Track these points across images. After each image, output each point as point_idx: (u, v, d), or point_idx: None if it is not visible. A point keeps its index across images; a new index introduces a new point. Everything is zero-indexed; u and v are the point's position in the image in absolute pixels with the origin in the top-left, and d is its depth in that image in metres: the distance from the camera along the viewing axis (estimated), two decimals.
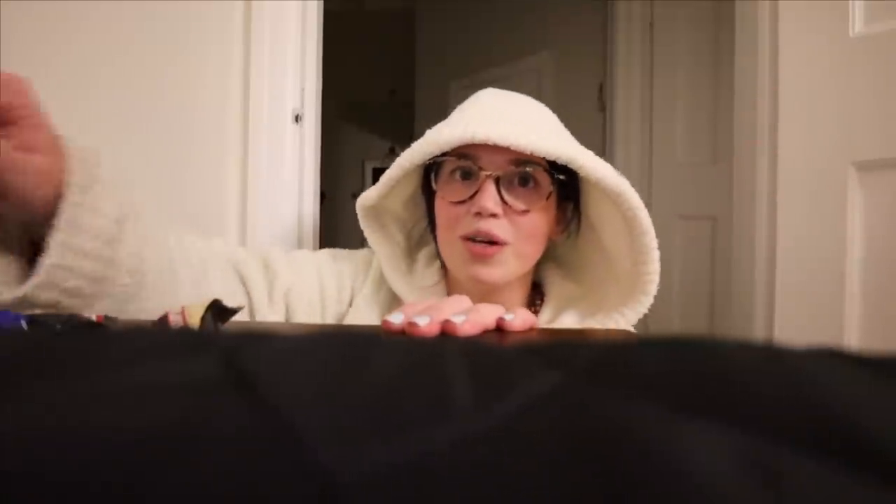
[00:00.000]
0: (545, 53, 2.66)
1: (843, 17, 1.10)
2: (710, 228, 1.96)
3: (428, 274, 0.82)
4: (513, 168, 0.72)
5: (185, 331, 0.32)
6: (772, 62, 1.20)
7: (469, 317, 0.44)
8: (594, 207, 0.78)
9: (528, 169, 0.72)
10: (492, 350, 0.19)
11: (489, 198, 0.70)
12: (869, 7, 1.08)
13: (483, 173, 0.71)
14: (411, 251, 0.87)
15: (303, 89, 1.15)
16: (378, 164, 6.39)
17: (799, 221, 1.16)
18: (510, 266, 0.74)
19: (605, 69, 2.34)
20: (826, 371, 0.16)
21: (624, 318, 0.78)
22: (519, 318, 0.46)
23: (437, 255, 0.82)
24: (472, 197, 0.71)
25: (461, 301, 0.48)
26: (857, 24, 1.09)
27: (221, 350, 0.17)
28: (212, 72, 1.14)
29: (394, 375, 0.16)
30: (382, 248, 0.84)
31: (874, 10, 1.07)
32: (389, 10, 4.28)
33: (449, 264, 0.79)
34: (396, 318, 0.45)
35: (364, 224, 0.84)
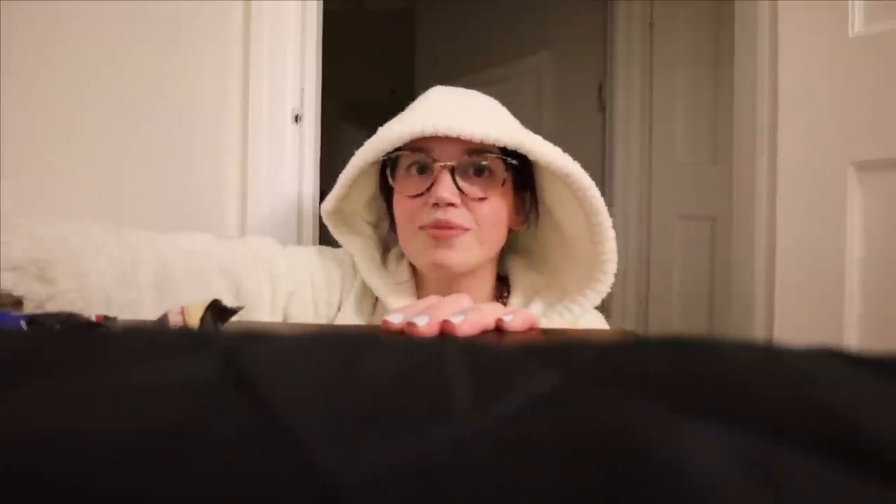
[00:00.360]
0: (545, 53, 2.66)
1: (843, 17, 1.10)
2: (709, 228, 1.96)
3: (399, 271, 0.83)
4: (466, 157, 0.73)
5: (184, 331, 0.32)
6: (771, 62, 1.20)
7: (468, 317, 0.44)
8: (549, 193, 0.80)
9: (481, 157, 0.74)
10: (491, 350, 0.19)
11: (445, 188, 0.72)
12: (868, 7, 1.08)
13: (437, 164, 0.73)
14: (383, 250, 0.88)
15: (302, 89, 1.15)
16: None
17: (798, 221, 1.16)
18: (473, 252, 0.76)
19: (604, 69, 2.34)
20: (826, 371, 0.16)
21: (587, 300, 0.79)
22: (518, 319, 0.46)
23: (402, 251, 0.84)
24: (429, 189, 0.73)
25: (460, 300, 0.48)
26: (857, 24, 1.09)
27: (221, 350, 0.17)
28: (211, 72, 1.14)
29: (393, 375, 0.16)
30: (355, 248, 0.84)
31: (874, 11, 1.07)
32: (389, 10, 4.28)
33: (412, 257, 0.80)
34: (396, 318, 0.45)
35: (333, 228, 0.85)
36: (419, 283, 0.83)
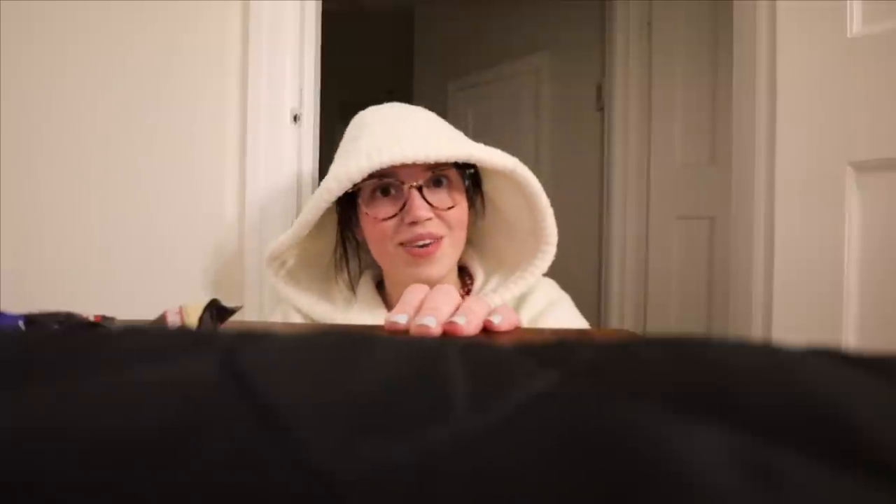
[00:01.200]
0: (543, 53, 2.66)
1: (841, 17, 1.10)
2: (708, 228, 1.96)
3: (364, 290, 0.90)
4: (429, 174, 0.80)
5: (182, 330, 0.32)
6: (769, 62, 1.20)
7: (468, 317, 0.45)
8: (490, 185, 0.90)
9: (442, 171, 0.81)
10: (490, 349, 0.19)
11: (420, 206, 0.78)
12: (867, 7, 1.08)
13: (406, 186, 0.79)
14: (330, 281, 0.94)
15: (301, 89, 1.15)
16: None
17: (797, 222, 1.16)
18: (449, 257, 0.84)
19: (603, 69, 2.34)
20: (824, 371, 0.16)
21: (537, 269, 0.87)
22: (505, 320, 0.49)
23: (358, 272, 0.92)
24: (401, 208, 0.79)
25: (451, 293, 0.50)
26: (855, 24, 1.09)
27: (219, 350, 0.17)
28: (210, 72, 1.14)
29: (392, 375, 0.16)
30: (311, 290, 0.90)
31: (872, 11, 1.07)
32: (388, 10, 4.27)
33: (391, 272, 0.87)
34: (401, 319, 0.46)
35: (276, 274, 0.89)
36: (386, 295, 0.91)
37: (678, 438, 0.12)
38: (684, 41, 2.05)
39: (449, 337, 0.42)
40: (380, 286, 0.93)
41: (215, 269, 1.14)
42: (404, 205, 0.79)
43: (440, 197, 0.81)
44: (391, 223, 0.80)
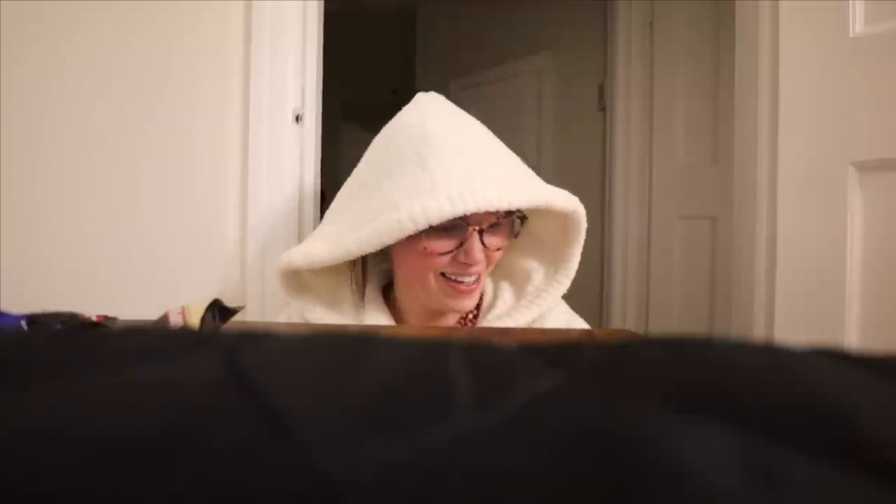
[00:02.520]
0: (545, 54, 2.66)
1: (844, 17, 1.09)
2: (710, 228, 1.96)
3: (371, 300, 0.89)
4: (493, 218, 0.79)
5: (184, 330, 0.32)
6: (772, 62, 1.20)
7: None
8: (532, 213, 0.87)
9: (506, 217, 0.81)
10: (493, 349, 0.19)
11: (479, 249, 0.77)
12: (869, 7, 1.07)
13: (469, 228, 0.77)
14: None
15: (303, 89, 1.15)
16: None
17: (799, 222, 1.16)
18: (481, 288, 0.85)
19: (605, 69, 2.33)
20: (826, 371, 0.16)
21: (555, 293, 0.88)
22: None
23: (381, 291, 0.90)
24: (458, 247, 0.78)
25: None
26: (858, 24, 1.09)
27: (221, 350, 0.17)
28: (212, 71, 1.14)
29: (394, 375, 0.16)
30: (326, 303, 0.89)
31: (874, 11, 1.07)
32: (390, 9, 4.27)
33: (422, 295, 0.84)
34: None
35: (293, 287, 0.88)
36: (402, 302, 0.90)
37: (680, 438, 0.12)
38: (686, 41, 2.05)
39: (452, 337, 0.42)
40: (384, 292, 0.92)
41: (217, 268, 1.14)
42: (461, 243, 0.78)
43: (494, 240, 0.80)
44: (445, 258, 0.79)
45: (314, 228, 1.17)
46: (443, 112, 0.85)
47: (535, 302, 0.86)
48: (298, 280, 0.88)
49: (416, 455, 0.12)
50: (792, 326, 1.16)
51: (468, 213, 0.73)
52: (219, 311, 0.45)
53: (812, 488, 0.11)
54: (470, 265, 0.78)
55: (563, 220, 0.86)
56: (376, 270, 0.92)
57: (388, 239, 0.75)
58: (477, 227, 0.77)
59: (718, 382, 0.15)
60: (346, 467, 0.11)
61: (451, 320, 0.89)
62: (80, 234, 1.14)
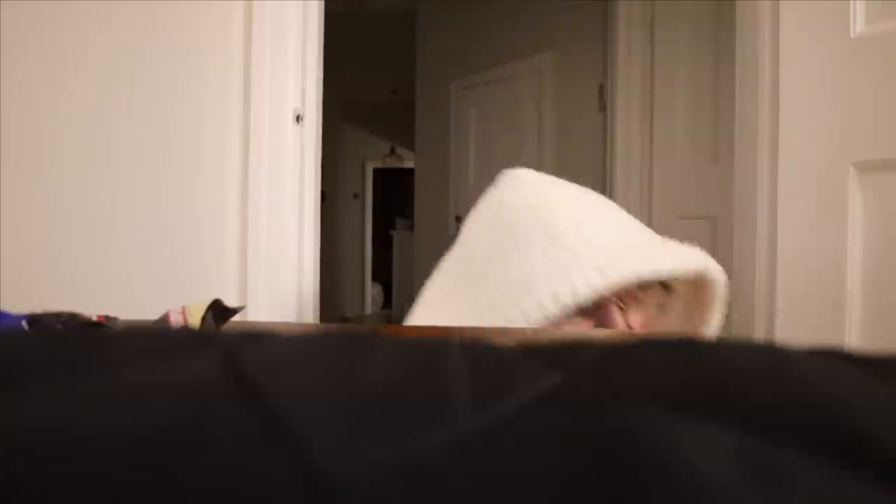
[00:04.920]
0: (546, 54, 2.66)
1: (844, 17, 1.09)
2: (710, 228, 1.96)
3: None
4: (634, 294, 0.70)
5: (185, 330, 0.32)
6: (772, 62, 1.20)
7: None
8: None
9: (645, 292, 0.71)
10: (493, 350, 0.19)
11: (616, 322, 0.67)
12: (870, 7, 1.07)
13: (611, 305, 0.68)
14: None
15: (303, 89, 1.15)
16: (378, 165, 6.41)
17: (799, 222, 1.16)
18: None
19: (605, 69, 2.33)
20: (826, 371, 0.16)
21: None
22: None
23: None
24: (591, 315, 0.68)
25: None
26: (858, 24, 1.09)
27: (221, 350, 0.17)
28: (213, 72, 1.14)
29: (394, 375, 0.16)
30: None
31: (875, 11, 1.07)
32: (390, 10, 4.27)
33: None
34: None
35: None
36: None
37: (681, 439, 0.12)
38: (687, 41, 2.05)
39: (452, 338, 0.42)
40: None
41: (218, 268, 1.14)
42: (601, 318, 0.68)
43: (638, 318, 0.70)
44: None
45: (314, 227, 1.17)
46: (560, 184, 0.76)
47: None
48: None
49: (416, 456, 0.12)
50: (793, 326, 1.16)
51: (623, 281, 0.62)
52: (219, 310, 0.45)
53: (812, 488, 0.11)
54: None
55: (693, 285, 0.76)
56: None
57: (535, 323, 0.63)
58: (618, 303, 0.67)
59: (719, 383, 0.15)
60: (345, 468, 0.11)
61: None
62: (81, 234, 1.14)
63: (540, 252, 0.65)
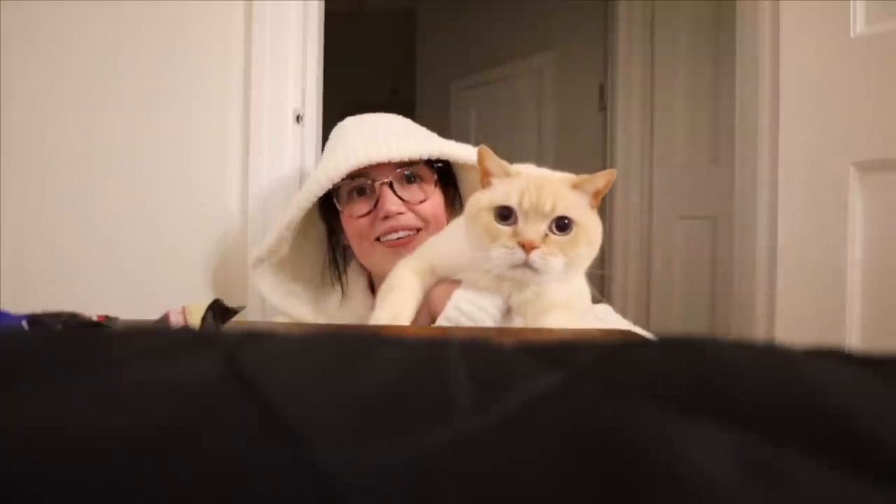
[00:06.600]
0: (546, 54, 2.66)
1: (844, 17, 1.09)
2: (710, 228, 1.95)
3: (356, 280, 0.94)
4: (399, 171, 0.84)
5: (185, 330, 0.32)
6: (772, 62, 1.20)
7: None
8: (468, 184, 0.92)
9: (411, 168, 0.85)
10: (493, 350, 0.19)
11: (391, 201, 0.82)
12: (870, 7, 1.07)
13: (377, 184, 0.83)
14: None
15: (304, 89, 1.15)
16: None
17: (799, 221, 1.16)
18: (419, 244, 0.85)
19: (605, 69, 2.33)
20: (826, 371, 0.16)
21: None
22: None
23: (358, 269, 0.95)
24: (375, 205, 0.83)
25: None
26: (858, 24, 1.08)
27: (222, 350, 0.17)
28: (213, 72, 1.14)
29: (394, 376, 0.16)
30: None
31: (875, 11, 1.07)
32: (390, 10, 4.27)
33: (373, 268, 0.89)
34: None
35: (277, 280, 0.94)
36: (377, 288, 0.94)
37: (681, 438, 0.12)
38: (687, 41, 2.05)
39: (452, 338, 0.42)
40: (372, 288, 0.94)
41: (218, 269, 1.14)
42: (377, 202, 0.83)
43: (411, 192, 0.85)
44: (366, 220, 0.84)
45: None
46: (366, 114, 0.95)
47: None
48: (289, 290, 0.93)
49: (416, 455, 0.12)
50: (793, 326, 1.16)
51: (361, 164, 0.80)
52: (219, 310, 0.45)
53: (812, 488, 0.11)
54: (387, 217, 0.82)
55: None
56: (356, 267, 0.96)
57: (305, 203, 0.83)
58: (383, 181, 0.82)
59: (719, 382, 0.15)
60: (346, 467, 0.11)
61: None
62: (82, 235, 1.14)
63: (323, 158, 0.90)
